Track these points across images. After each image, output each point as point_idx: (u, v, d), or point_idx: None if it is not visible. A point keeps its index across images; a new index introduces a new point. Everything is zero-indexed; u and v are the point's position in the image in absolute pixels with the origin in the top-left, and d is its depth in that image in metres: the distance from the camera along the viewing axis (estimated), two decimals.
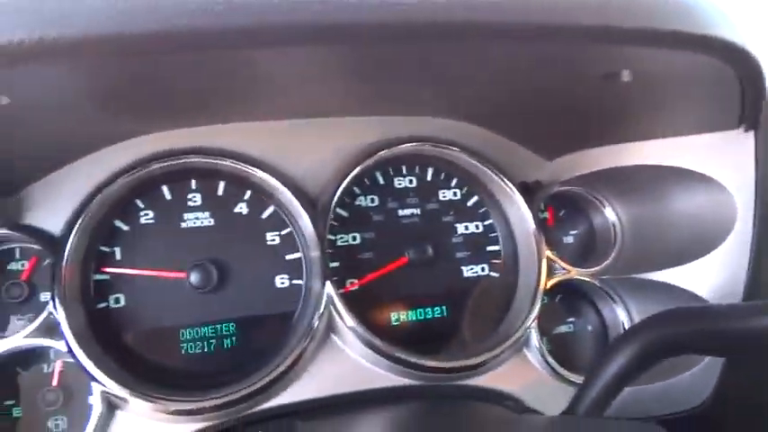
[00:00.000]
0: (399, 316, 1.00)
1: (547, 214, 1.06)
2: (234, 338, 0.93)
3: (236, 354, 0.92)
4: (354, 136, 0.97)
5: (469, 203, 1.05)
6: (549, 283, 0.95)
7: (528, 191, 0.99)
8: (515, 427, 0.65)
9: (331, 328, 0.91)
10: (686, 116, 0.86)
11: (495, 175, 0.98)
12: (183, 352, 0.91)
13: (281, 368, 0.85)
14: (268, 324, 0.94)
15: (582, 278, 0.99)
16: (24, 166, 0.84)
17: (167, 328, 0.90)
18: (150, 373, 0.86)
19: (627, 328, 0.98)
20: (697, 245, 0.89)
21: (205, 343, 0.92)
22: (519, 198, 0.98)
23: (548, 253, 0.96)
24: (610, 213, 1.04)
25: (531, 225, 0.97)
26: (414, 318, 1.00)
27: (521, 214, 0.98)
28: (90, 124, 0.84)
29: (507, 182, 0.98)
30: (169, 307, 0.91)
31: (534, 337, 0.93)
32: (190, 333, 0.91)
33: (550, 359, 0.92)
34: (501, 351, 0.91)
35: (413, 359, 0.88)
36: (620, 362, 0.68)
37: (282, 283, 0.95)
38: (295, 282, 0.95)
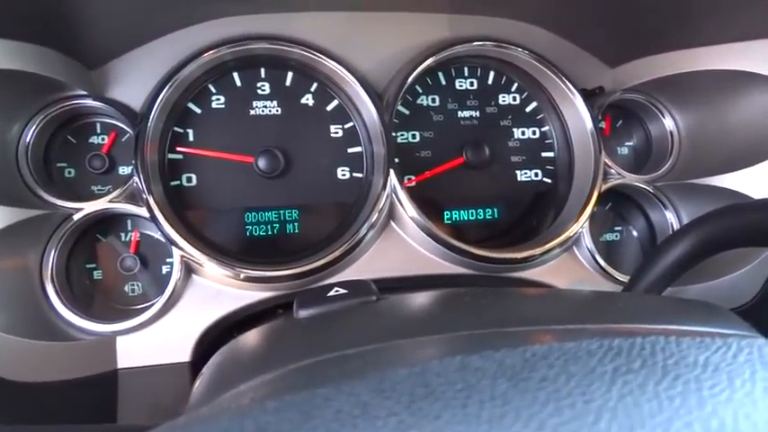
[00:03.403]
0: (452, 214, 1.03)
1: (603, 124, 1.07)
2: (297, 224, 0.97)
3: (299, 238, 0.97)
4: (422, 32, 0.98)
5: (528, 109, 1.06)
6: (604, 188, 0.98)
7: (590, 96, 1.00)
8: (578, 298, 0.68)
9: (391, 217, 0.95)
10: (759, 18, 0.85)
11: (558, 78, 0.99)
12: (247, 234, 0.96)
13: (344, 248, 0.89)
14: (329, 212, 0.98)
15: (636, 184, 1.01)
16: (108, 39, 0.87)
17: (234, 210, 0.95)
18: (219, 248, 0.91)
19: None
20: (756, 150, 0.90)
21: (269, 226, 0.97)
22: (580, 103, 0.99)
23: (604, 158, 0.98)
24: (668, 122, 1.05)
25: (590, 129, 0.98)
26: (466, 218, 1.04)
27: (580, 119, 1.00)
28: (168, 5, 0.87)
29: (570, 86, 0.99)
30: (236, 190, 0.95)
31: (586, 237, 0.96)
32: (255, 216, 0.96)
33: (600, 258, 0.96)
34: (551, 248, 0.94)
35: (466, 248, 0.92)
36: (686, 245, 0.70)
37: (343, 174, 0.99)
38: (355, 174, 0.99)
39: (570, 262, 0.98)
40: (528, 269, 0.96)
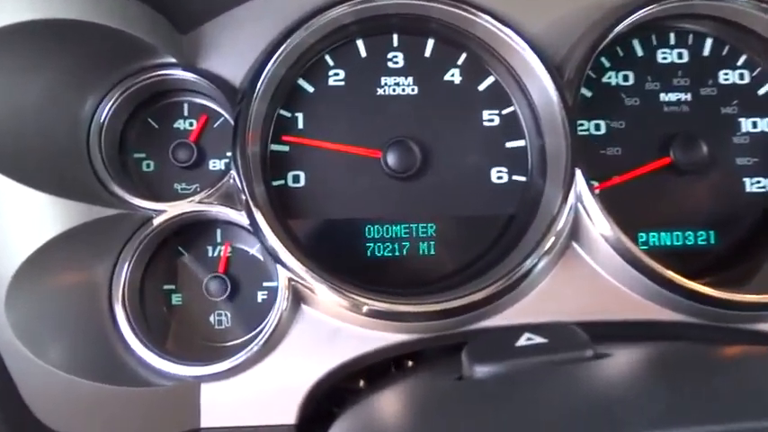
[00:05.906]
0: (648, 237, 0.76)
1: None
2: (433, 243, 0.74)
3: (435, 263, 0.74)
4: None
5: (761, 91, 0.78)
6: None
7: None
8: None
9: (572, 237, 0.68)
10: None
11: None
12: (368, 254, 0.74)
13: (507, 280, 0.64)
14: (478, 229, 0.75)
15: None
16: None
17: (352, 222, 0.74)
18: (332, 271, 0.68)
19: None
20: None
21: (396, 245, 0.75)
22: None
23: None
24: None
25: None
26: (668, 242, 0.77)
27: None
28: None
29: None
30: (355, 194, 0.75)
31: None
32: (378, 230, 0.75)
33: None
34: None
35: (691, 285, 0.64)
36: None
37: (500, 177, 0.76)
38: (516, 178, 0.75)
39: None
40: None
